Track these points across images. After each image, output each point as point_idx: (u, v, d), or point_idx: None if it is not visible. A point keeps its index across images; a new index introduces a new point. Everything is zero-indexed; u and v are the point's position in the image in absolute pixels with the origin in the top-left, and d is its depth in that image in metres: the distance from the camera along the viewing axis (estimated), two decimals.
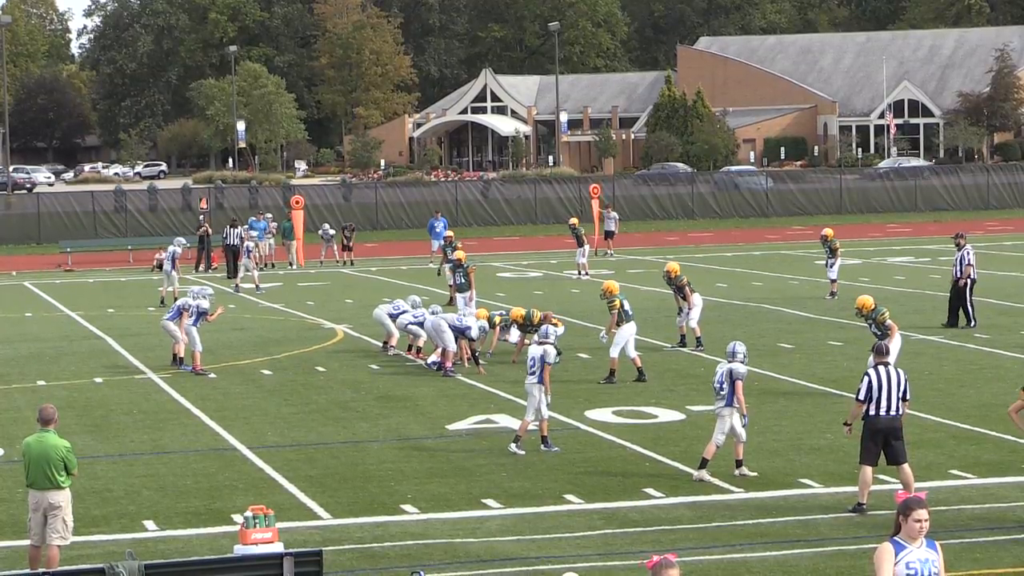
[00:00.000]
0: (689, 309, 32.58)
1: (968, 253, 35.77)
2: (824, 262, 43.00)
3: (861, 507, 18.79)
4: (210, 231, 57.21)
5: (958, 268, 35.82)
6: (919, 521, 11.11)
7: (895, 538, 11.18)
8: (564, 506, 19.56)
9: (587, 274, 50.32)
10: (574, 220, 54.34)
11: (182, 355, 31.58)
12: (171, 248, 44.86)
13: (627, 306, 28.91)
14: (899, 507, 11.23)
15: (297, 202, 61.52)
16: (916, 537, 11.11)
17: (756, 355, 31.43)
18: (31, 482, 16.74)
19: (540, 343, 22.97)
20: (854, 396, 19.26)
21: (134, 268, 59.06)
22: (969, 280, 35.59)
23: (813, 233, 69.02)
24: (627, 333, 28.73)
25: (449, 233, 48.28)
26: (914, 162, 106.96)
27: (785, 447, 22.69)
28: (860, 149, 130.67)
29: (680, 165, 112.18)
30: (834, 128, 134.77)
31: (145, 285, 51.36)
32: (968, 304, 35.50)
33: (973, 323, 35.31)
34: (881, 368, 18.95)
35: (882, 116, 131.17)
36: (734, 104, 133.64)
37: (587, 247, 52.41)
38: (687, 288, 32.60)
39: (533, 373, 22.65)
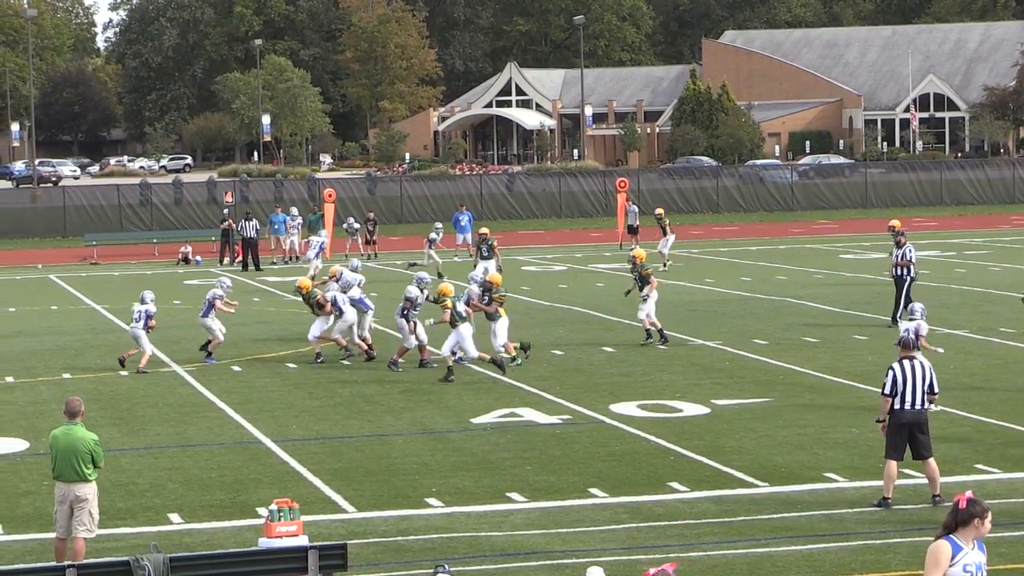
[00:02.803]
0: (646, 300, 32.44)
1: (909, 250, 35.36)
2: (888, 253, 42.48)
3: (886, 501, 18.75)
4: (234, 225, 57.43)
5: (898, 264, 35.26)
6: (991, 523, 10.79)
7: (952, 537, 10.78)
8: (589, 500, 19.55)
9: (667, 265, 49.64)
10: (660, 210, 53.41)
11: (211, 349, 31.81)
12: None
13: (460, 307, 29.03)
14: (973, 509, 10.78)
15: (329, 195, 61.53)
16: (976, 540, 10.77)
17: (781, 349, 31.40)
18: (57, 474, 16.77)
19: (910, 319, 24.75)
20: (879, 391, 19.21)
21: (159, 261, 59.16)
22: (910, 277, 35.17)
23: (838, 227, 69.02)
24: (465, 333, 28.74)
25: (484, 230, 47.94)
26: (835, 159, 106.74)
27: (810, 441, 22.64)
28: (885, 143, 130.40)
29: (705, 159, 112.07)
30: (859, 122, 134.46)
31: (170, 278, 51.47)
32: (905, 298, 34.81)
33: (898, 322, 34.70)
34: (906, 362, 18.89)
35: (907, 110, 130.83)
36: (759, 98, 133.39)
37: (671, 236, 51.13)
38: (651, 278, 32.55)
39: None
